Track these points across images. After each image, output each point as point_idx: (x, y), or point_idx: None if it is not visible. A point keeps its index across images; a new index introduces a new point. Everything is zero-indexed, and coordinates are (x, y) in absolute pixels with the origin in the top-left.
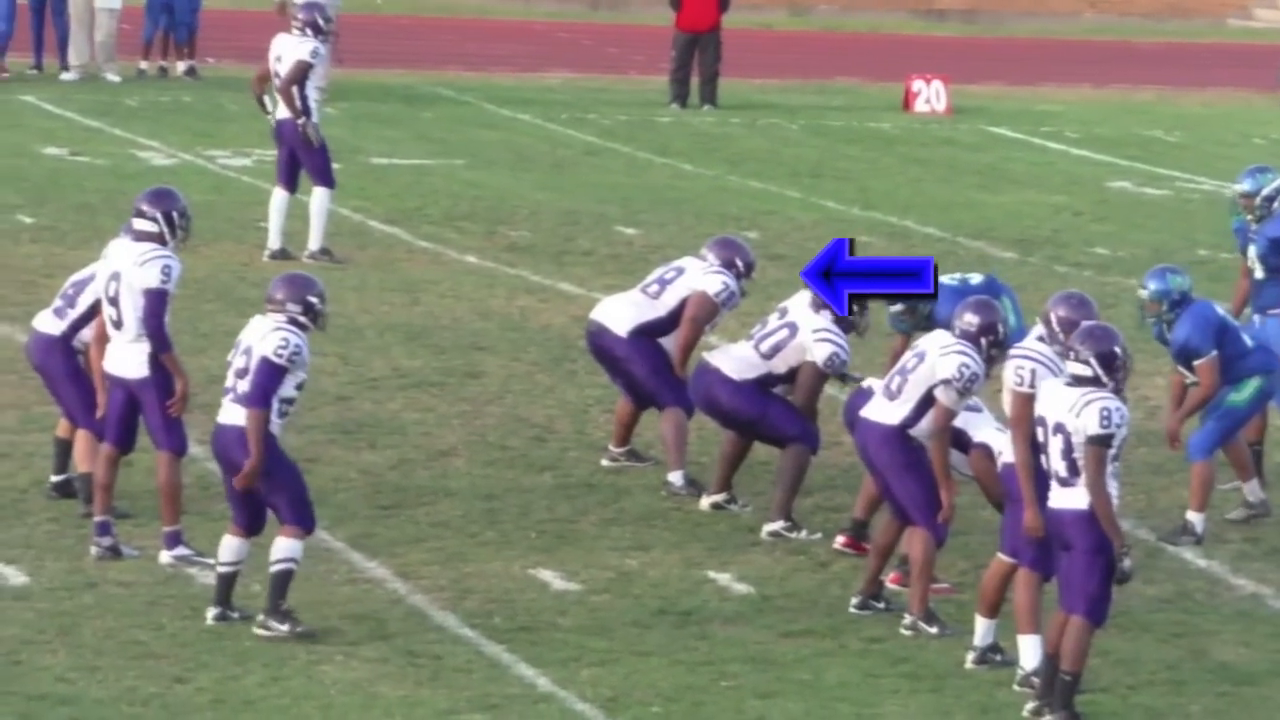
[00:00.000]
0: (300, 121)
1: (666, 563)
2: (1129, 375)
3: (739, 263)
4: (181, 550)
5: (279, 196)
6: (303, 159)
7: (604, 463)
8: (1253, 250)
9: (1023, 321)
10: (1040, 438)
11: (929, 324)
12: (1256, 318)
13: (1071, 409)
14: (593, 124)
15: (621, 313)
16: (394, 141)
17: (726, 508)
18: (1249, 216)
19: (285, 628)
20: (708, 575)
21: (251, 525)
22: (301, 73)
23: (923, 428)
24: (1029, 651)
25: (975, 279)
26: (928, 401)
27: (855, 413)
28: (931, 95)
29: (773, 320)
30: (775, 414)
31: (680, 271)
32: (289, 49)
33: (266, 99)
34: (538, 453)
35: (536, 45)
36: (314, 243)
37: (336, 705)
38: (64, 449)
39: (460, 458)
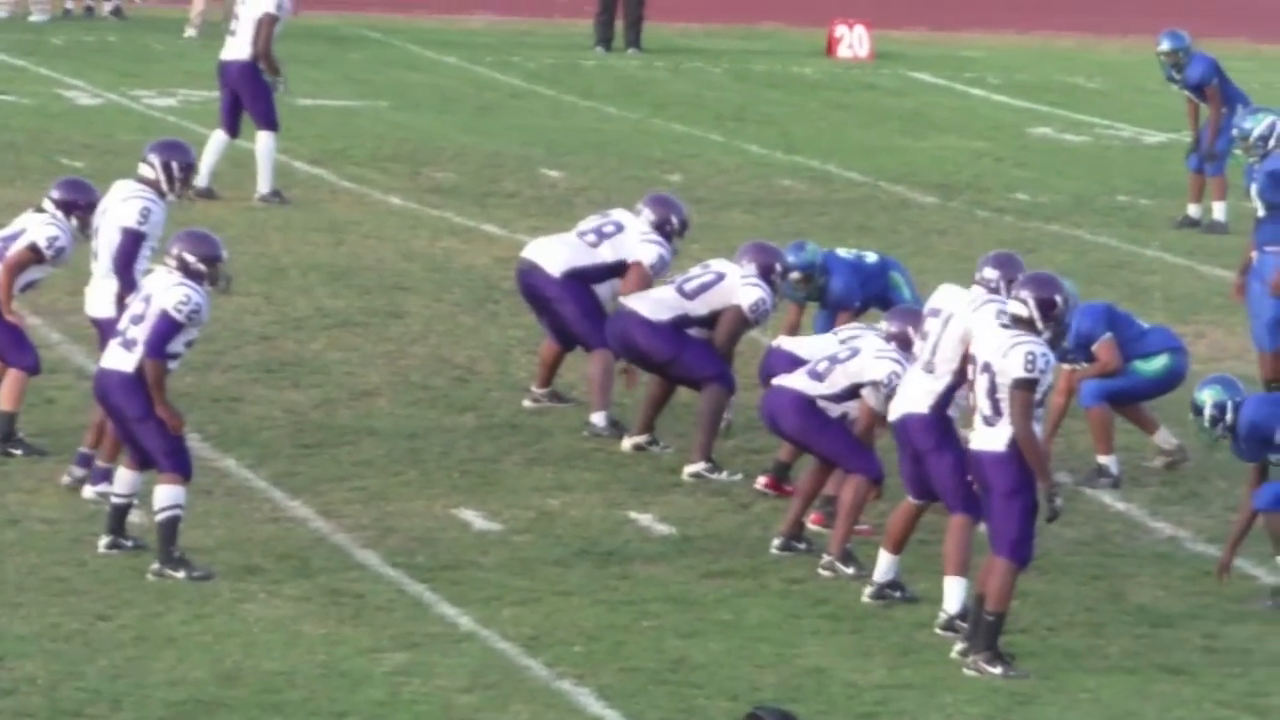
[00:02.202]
0: (275, 78)
1: (588, 503)
2: (1064, 332)
3: (674, 220)
4: (105, 487)
5: (218, 138)
6: (246, 103)
7: (526, 403)
8: (1254, 188)
9: (916, 294)
10: (969, 375)
11: (822, 295)
12: (1254, 254)
13: (999, 350)
14: (517, 67)
15: (556, 253)
16: (319, 83)
17: (648, 449)
18: (1251, 159)
19: (181, 574)
20: (629, 516)
21: (145, 461)
22: (269, 26)
23: (836, 409)
24: (953, 594)
25: (870, 257)
26: (851, 393)
27: (771, 372)
28: (854, 40)
29: (695, 269)
30: (691, 355)
31: (619, 228)
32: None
33: (228, 35)
34: (460, 393)
35: None
36: (263, 185)
37: (259, 643)
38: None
39: (383, 398)
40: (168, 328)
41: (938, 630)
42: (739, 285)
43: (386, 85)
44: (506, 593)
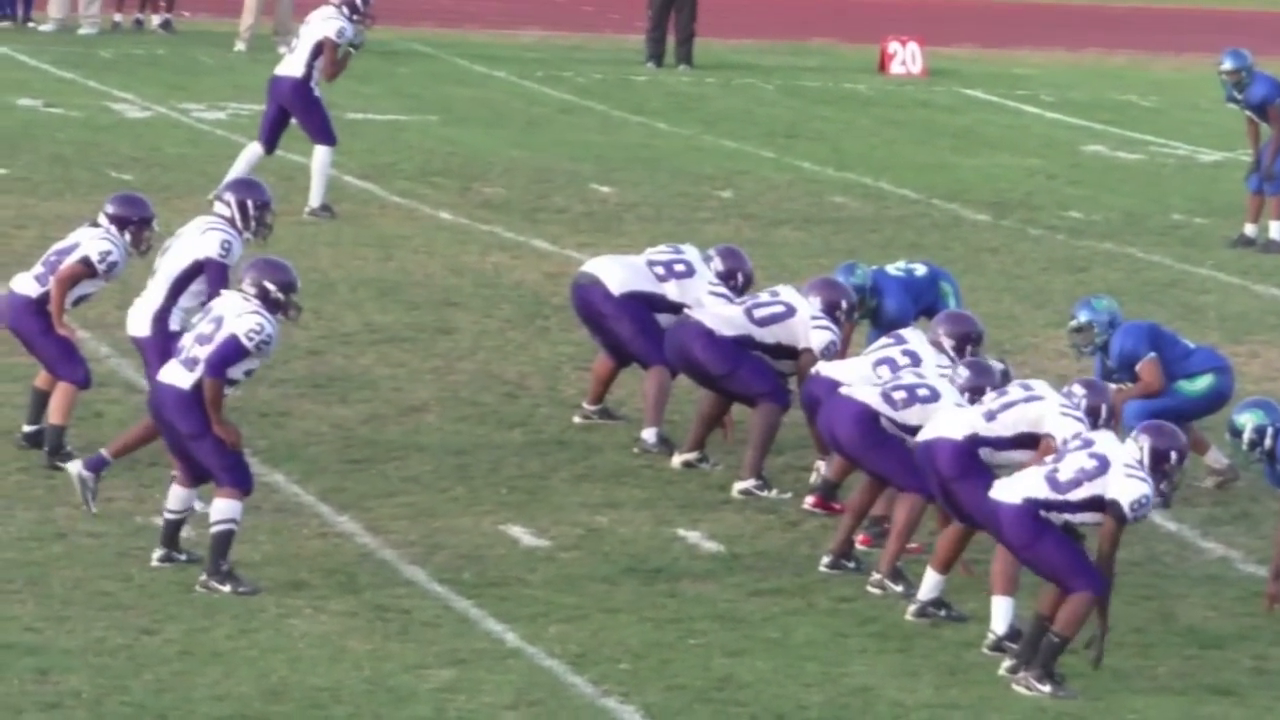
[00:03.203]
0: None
1: (636, 520)
2: (1175, 487)
3: (740, 275)
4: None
5: (253, 150)
6: (301, 120)
7: (576, 419)
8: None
9: (962, 304)
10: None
11: (875, 315)
12: None
13: (1117, 474)
14: (568, 82)
15: (619, 274)
16: (369, 97)
17: (698, 466)
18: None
19: (227, 588)
20: (677, 533)
21: (195, 477)
22: (331, 52)
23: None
24: (1000, 615)
25: (919, 270)
26: (916, 431)
27: (813, 398)
28: (907, 57)
29: (764, 296)
30: (747, 370)
31: (690, 271)
32: (319, 20)
33: (287, 52)
34: (509, 409)
35: (512, 2)
36: (315, 199)
37: (305, 658)
38: (40, 400)
39: (431, 413)
40: (234, 352)
41: (985, 650)
42: (809, 325)
43: (436, 100)
44: (553, 610)
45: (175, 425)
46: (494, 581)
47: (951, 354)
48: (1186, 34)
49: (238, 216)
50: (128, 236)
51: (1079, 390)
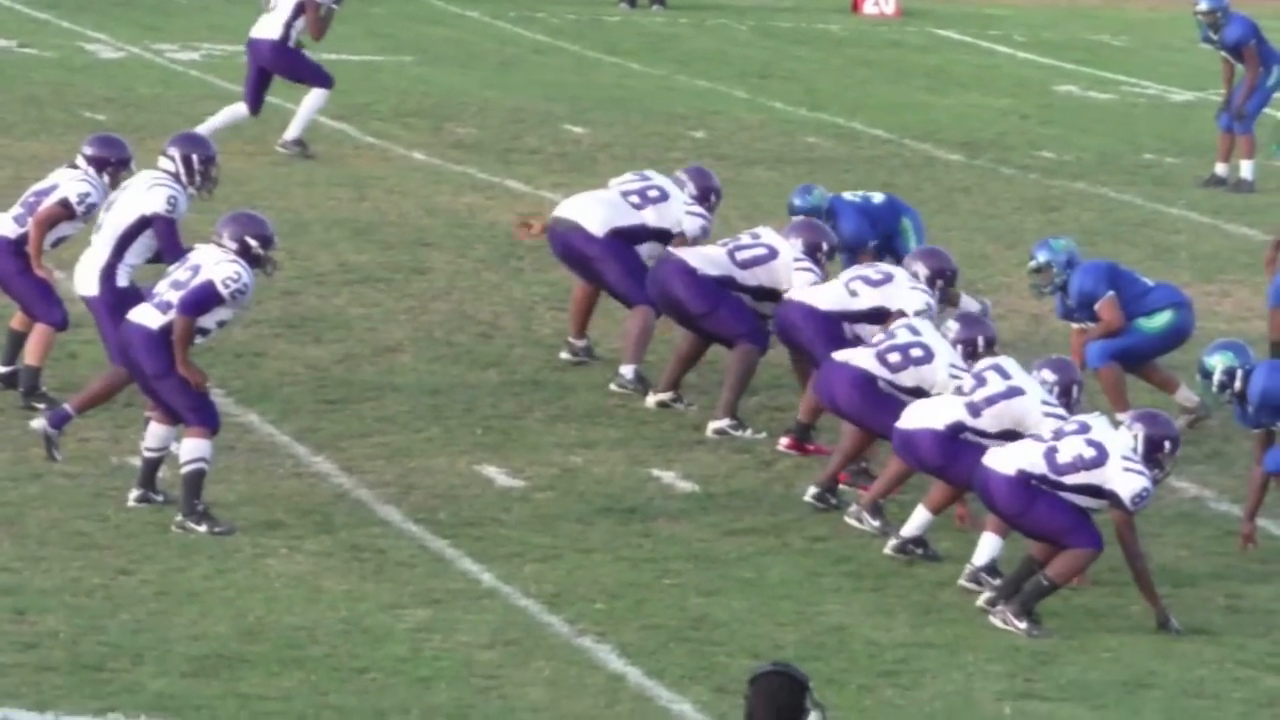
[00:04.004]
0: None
1: (611, 460)
2: (1168, 473)
3: (714, 194)
4: (53, 433)
5: (238, 109)
6: (292, 79)
7: (563, 356)
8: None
9: (924, 241)
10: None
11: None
12: None
13: (1114, 467)
14: (541, 22)
15: (596, 212)
16: (343, 37)
17: (672, 406)
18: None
19: (203, 528)
20: (652, 473)
21: (175, 416)
22: (314, 11)
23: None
24: (985, 549)
25: (877, 198)
26: (914, 393)
27: (788, 323)
28: None
29: (745, 237)
30: (727, 310)
31: (664, 195)
32: None
33: (264, 13)
34: (484, 349)
35: None
36: (292, 132)
37: (281, 598)
38: (16, 340)
39: (406, 354)
40: (209, 296)
41: (962, 582)
42: (791, 267)
43: (409, 40)
44: (528, 550)
45: (141, 365)
46: (469, 521)
47: (925, 287)
48: None
49: (182, 171)
50: (106, 178)
51: (1049, 375)
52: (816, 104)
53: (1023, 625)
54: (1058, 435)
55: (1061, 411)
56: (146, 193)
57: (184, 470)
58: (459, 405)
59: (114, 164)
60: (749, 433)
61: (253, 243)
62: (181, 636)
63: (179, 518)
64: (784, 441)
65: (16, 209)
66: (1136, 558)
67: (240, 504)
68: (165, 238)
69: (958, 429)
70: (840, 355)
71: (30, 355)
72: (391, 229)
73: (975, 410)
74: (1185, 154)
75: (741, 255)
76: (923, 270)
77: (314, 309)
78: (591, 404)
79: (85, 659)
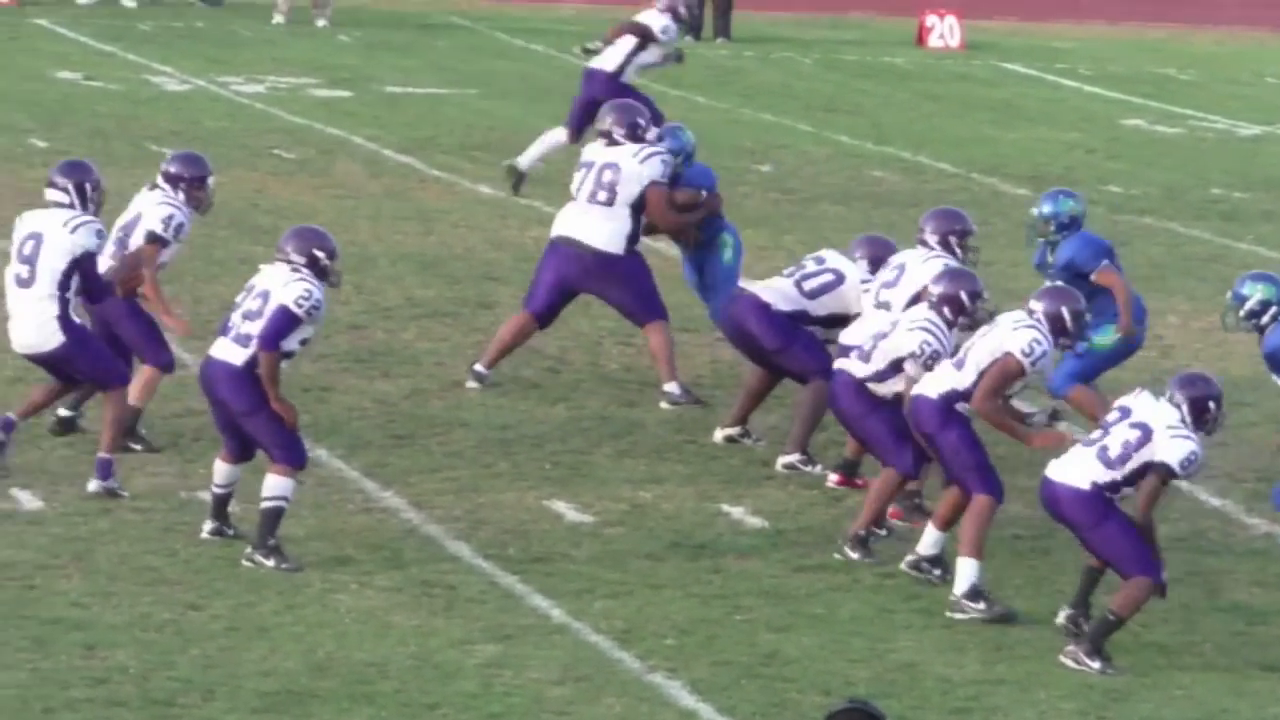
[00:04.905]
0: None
1: (680, 495)
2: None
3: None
4: (112, 483)
5: (558, 134)
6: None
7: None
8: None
9: (741, 258)
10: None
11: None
12: None
13: (1164, 427)
14: None
15: (603, 228)
16: (409, 70)
17: (740, 441)
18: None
19: (271, 563)
20: (721, 508)
21: (241, 454)
22: (641, 32)
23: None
24: (963, 574)
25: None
26: (895, 369)
27: (730, 318)
28: (945, 30)
29: (811, 264)
30: (800, 347)
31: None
32: (644, 14)
33: (592, 45)
34: (551, 384)
35: None
36: (524, 160)
37: (351, 634)
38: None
39: (474, 388)
40: (286, 321)
41: (902, 567)
42: (859, 290)
43: (474, 73)
44: (598, 585)
45: (228, 402)
46: (539, 557)
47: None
48: (1225, 7)
49: (76, 201)
50: (181, 195)
51: (1036, 305)
52: (882, 138)
53: (1095, 665)
54: (1104, 430)
55: (1035, 323)
56: (71, 236)
57: (263, 505)
58: (527, 440)
59: (188, 180)
60: (818, 468)
61: (320, 255)
62: (252, 672)
63: (249, 550)
64: (833, 478)
65: (110, 246)
66: (1148, 527)
67: (310, 539)
68: (91, 277)
69: (952, 397)
70: (839, 363)
71: (133, 395)
72: (458, 263)
73: (960, 363)
74: (1253, 188)
75: (809, 285)
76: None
77: (382, 343)
78: (659, 439)
79: (155, 694)
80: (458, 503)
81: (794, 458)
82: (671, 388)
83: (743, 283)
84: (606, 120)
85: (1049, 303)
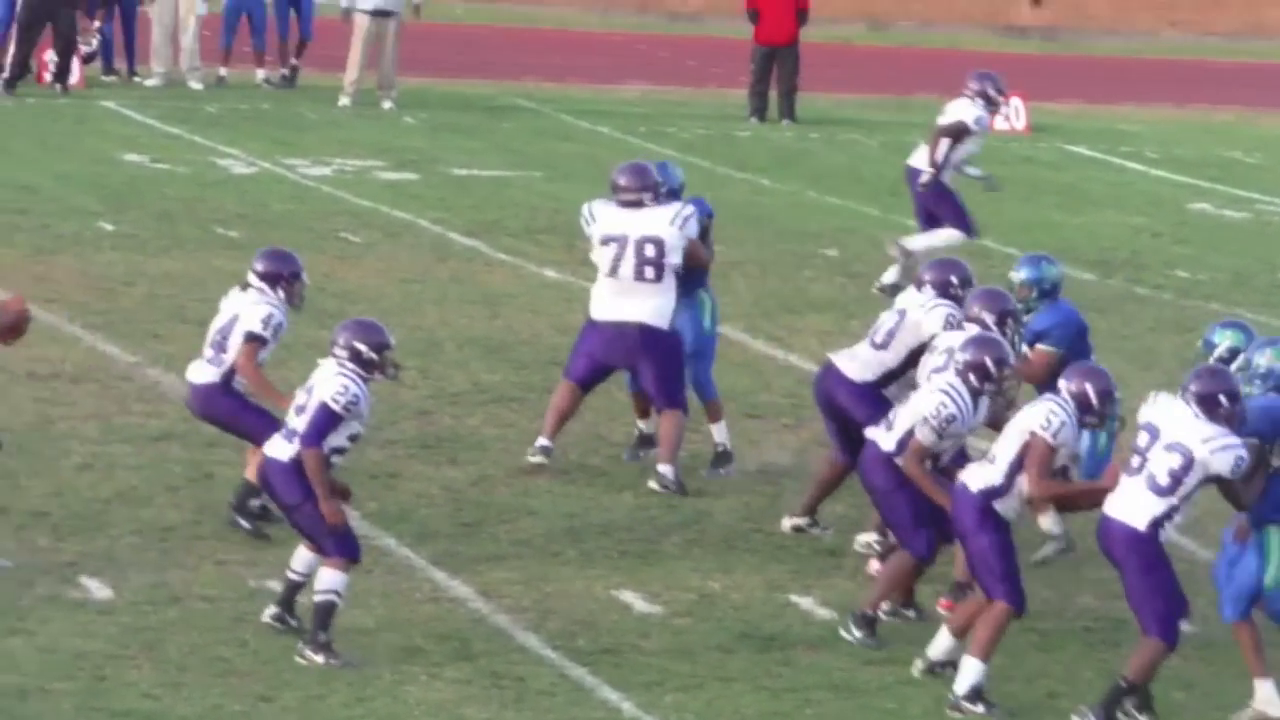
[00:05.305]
0: (925, 174)
1: (749, 585)
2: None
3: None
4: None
5: (951, 234)
6: (936, 210)
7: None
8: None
9: (719, 315)
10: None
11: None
12: None
13: (1206, 442)
14: (671, 137)
15: (648, 304)
16: (473, 152)
17: (808, 531)
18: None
19: (320, 659)
20: (790, 599)
21: (316, 543)
22: (955, 131)
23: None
24: (966, 674)
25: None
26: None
27: (825, 393)
28: (1010, 113)
29: (882, 315)
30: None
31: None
32: (955, 107)
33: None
34: (618, 471)
35: (615, 57)
36: (916, 243)
37: None
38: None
39: (541, 475)
40: (326, 419)
41: (914, 673)
42: (924, 313)
43: (539, 156)
44: (668, 678)
45: (279, 496)
46: (608, 648)
47: (994, 326)
48: None
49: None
50: (280, 293)
51: (1062, 383)
52: None
53: None
54: (1142, 461)
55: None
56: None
57: (316, 599)
58: (595, 528)
59: (287, 277)
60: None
61: (362, 348)
62: None
63: (300, 644)
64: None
65: (208, 351)
66: (1254, 490)
67: (379, 629)
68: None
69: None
70: (869, 431)
71: (249, 471)
72: (524, 347)
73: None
74: None
75: (879, 337)
76: (987, 315)
77: (448, 429)
78: (727, 529)
79: None
80: (526, 592)
81: (872, 536)
82: (666, 469)
83: (831, 355)
84: (620, 180)
85: (1075, 381)
